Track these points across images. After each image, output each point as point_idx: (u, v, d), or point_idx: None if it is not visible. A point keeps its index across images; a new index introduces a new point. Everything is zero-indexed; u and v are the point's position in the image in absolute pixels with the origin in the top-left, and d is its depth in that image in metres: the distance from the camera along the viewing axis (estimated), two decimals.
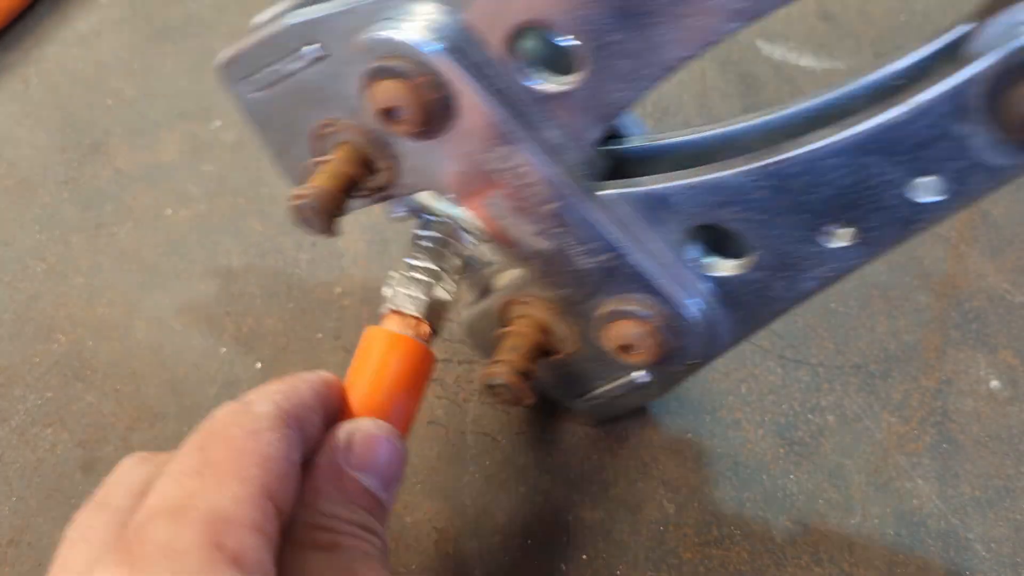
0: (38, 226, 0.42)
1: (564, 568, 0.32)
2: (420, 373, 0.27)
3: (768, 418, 0.35)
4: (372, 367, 0.27)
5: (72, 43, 0.50)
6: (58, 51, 0.50)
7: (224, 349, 0.37)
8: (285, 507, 0.21)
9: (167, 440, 0.35)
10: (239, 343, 0.38)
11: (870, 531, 0.32)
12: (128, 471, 0.24)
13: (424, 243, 0.29)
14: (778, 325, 0.37)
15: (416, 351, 0.27)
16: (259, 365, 0.37)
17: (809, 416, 0.35)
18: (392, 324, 0.28)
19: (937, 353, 0.37)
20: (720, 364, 0.36)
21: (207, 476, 0.20)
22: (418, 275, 0.28)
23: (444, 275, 0.29)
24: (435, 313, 0.28)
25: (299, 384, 0.25)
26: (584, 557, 0.32)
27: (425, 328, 0.28)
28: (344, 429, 0.25)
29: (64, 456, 0.35)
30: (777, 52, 0.48)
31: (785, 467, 0.34)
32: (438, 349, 0.37)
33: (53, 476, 0.34)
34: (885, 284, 0.39)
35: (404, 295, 0.28)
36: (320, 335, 0.38)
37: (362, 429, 0.25)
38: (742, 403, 0.35)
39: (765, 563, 0.32)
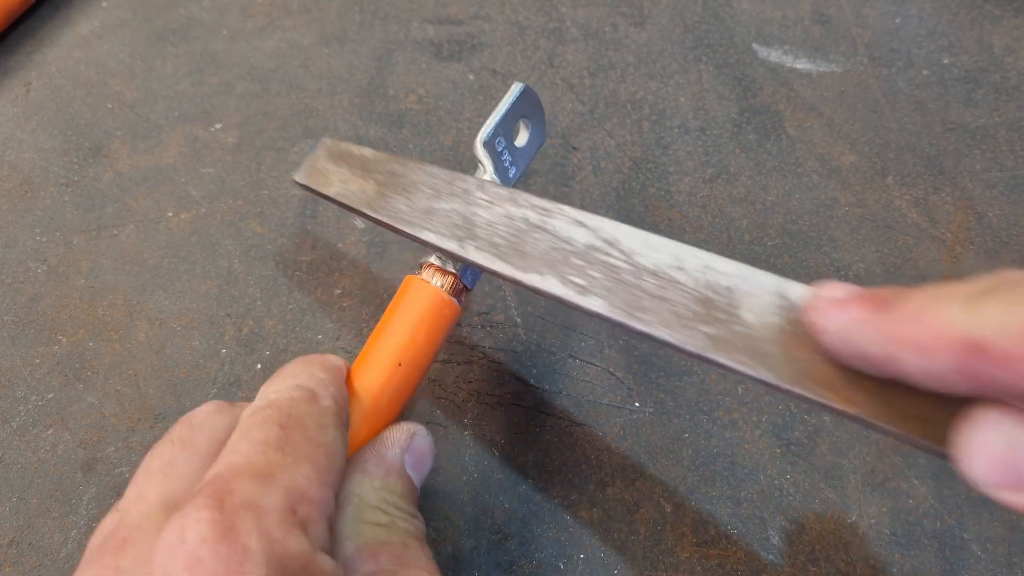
0: (39, 228, 0.42)
1: (562, 567, 0.32)
2: (438, 320, 0.30)
3: (765, 418, 0.35)
4: (397, 313, 0.30)
5: (73, 46, 0.50)
6: (59, 54, 0.50)
7: (224, 350, 0.38)
8: (336, 496, 0.24)
9: None
10: (239, 344, 0.38)
11: (866, 531, 0.33)
12: (208, 417, 0.25)
13: None
14: None
15: (436, 300, 0.30)
16: (259, 366, 0.37)
17: (805, 416, 0.35)
18: (425, 273, 0.30)
19: None
20: None
21: (287, 453, 0.22)
22: None
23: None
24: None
25: (338, 375, 0.27)
26: (582, 557, 0.32)
27: (452, 280, 0.30)
28: (405, 428, 0.28)
29: (65, 457, 0.35)
30: (773, 55, 0.49)
31: (782, 467, 0.34)
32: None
33: (54, 476, 0.34)
34: (881, 285, 0.39)
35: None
36: (320, 336, 0.38)
37: (418, 435, 0.28)
38: (739, 403, 0.36)
39: (762, 563, 0.32)
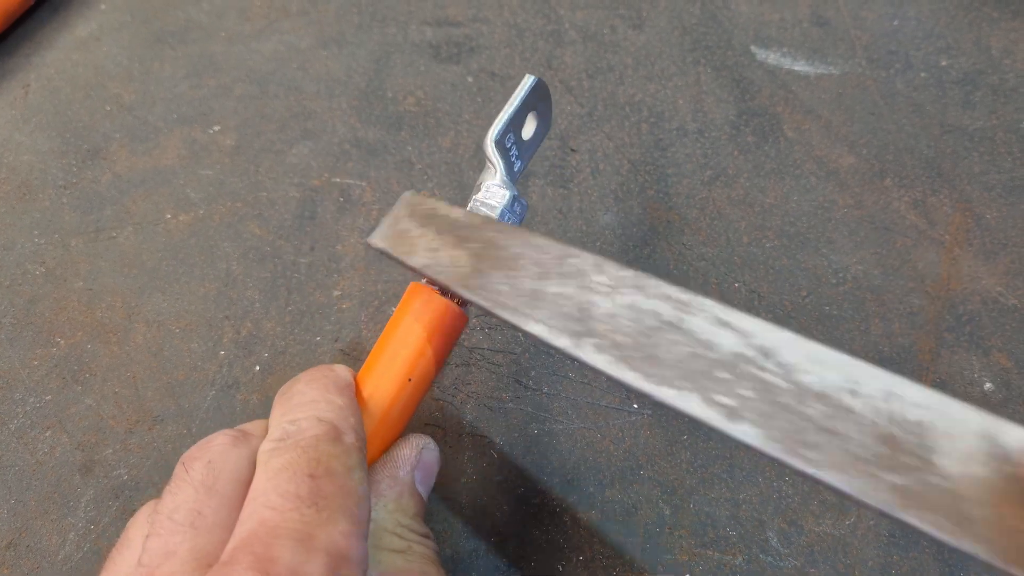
0: (38, 230, 0.42)
1: (561, 569, 0.32)
2: (448, 332, 0.29)
3: None
4: (406, 324, 0.28)
5: (72, 48, 0.50)
6: (58, 56, 0.50)
7: (223, 352, 0.38)
8: (366, 541, 0.23)
9: (166, 442, 0.35)
10: (238, 346, 0.38)
11: (865, 532, 0.33)
12: (225, 455, 0.24)
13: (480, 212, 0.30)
14: None
15: (446, 312, 0.28)
16: (258, 368, 0.37)
17: None
18: (430, 281, 0.29)
19: (931, 355, 0.37)
20: None
21: (322, 509, 0.21)
22: None
23: None
24: None
25: (352, 395, 0.27)
26: (581, 558, 0.32)
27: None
28: (413, 444, 0.28)
29: (63, 459, 0.35)
30: (771, 57, 0.49)
31: (780, 469, 0.34)
32: None
33: (52, 478, 0.34)
34: (879, 287, 0.39)
35: None
36: (319, 338, 0.38)
37: (427, 448, 0.28)
38: None
39: (761, 565, 0.32)
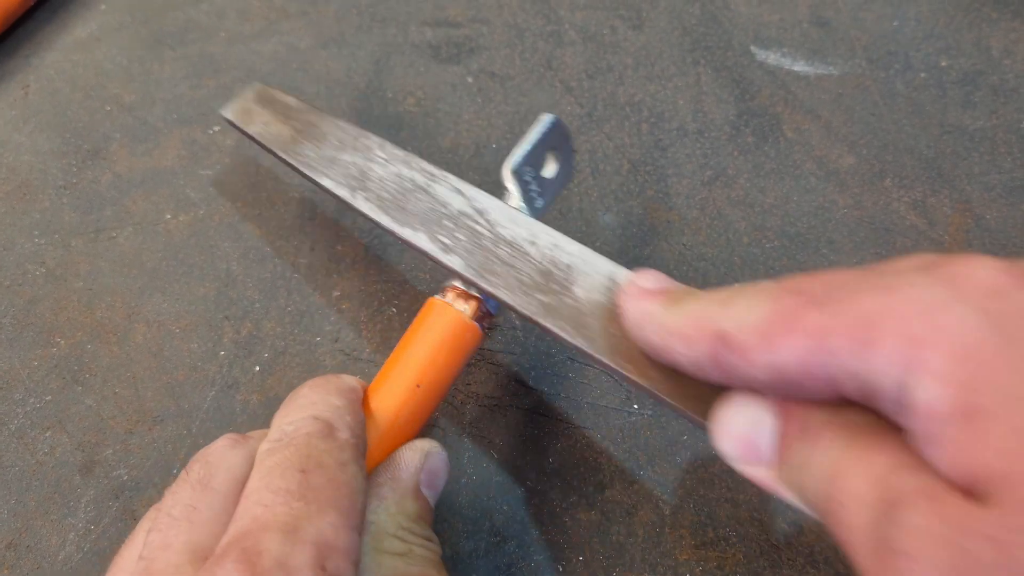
0: (37, 231, 0.42)
1: (560, 570, 0.32)
2: (460, 344, 0.30)
3: None
4: (418, 334, 0.30)
5: (71, 49, 0.50)
6: (57, 57, 0.50)
7: (223, 352, 0.38)
8: (360, 533, 0.24)
9: (167, 443, 0.35)
10: (238, 347, 0.38)
11: None
12: (224, 454, 0.25)
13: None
14: None
15: (459, 324, 0.30)
16: (258, 368, 0.37)
17: None
18: (448, 296, 0.30)
19: None
20: None
21: (311, 501, 0.22)
22: None
23: None
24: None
25: (354, 398, 0.27)
26: (580, 559, 0.32)
27: (476, 304, 0.30)
28: (417, 448, 0.28)
29: (63, 459, 0.35)
30: (771, 58, 0.49)
31: None
32: None
33: (52, 479, 0.34)
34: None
35: None
36: (319, 339, 0.38)
37: (432, 453, 0.28)
38: None
39: (761, 565, 0.32)
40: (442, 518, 0.33)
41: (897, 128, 0.45)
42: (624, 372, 0.24)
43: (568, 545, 0.32)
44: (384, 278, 0.40)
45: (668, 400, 0.24)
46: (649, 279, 0.24)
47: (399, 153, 0.32)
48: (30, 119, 0.47)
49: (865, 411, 0.19)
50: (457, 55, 0.49)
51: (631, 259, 0.40)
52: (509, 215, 0.29)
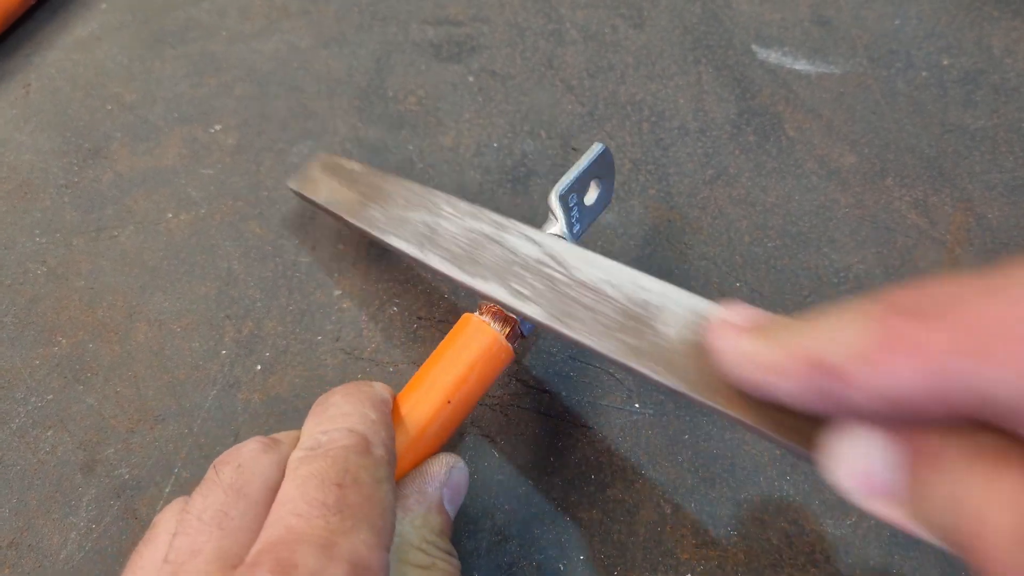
0: (39, 230, 0.42)
1: (562, 569, 0.32)
2: (493, 364, 0.30)
3: None
4: (453, 350, 0.31)
5: (72, 48, 0.50)
6: (58, 56, 0.50)
7: (224, 351, 0.38)
8: (389, 552, 0.24)
9: (168, 442, 0.35)
10: (239, 346, 0.38)
11: (866, 532, 0.33)
12: (256, 459, 0.25)
13: None
14: None
15: (494, 344, 0.30)
16: (259, 367, 0.37)
17: None
18: (485, 315, 0.31)
19: None
20: None
21: (347, 517, 0.22)
22: None
23: None
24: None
25: (387, 411, 0.27)
26: (581, 558, 0.32)
27: (511, 326, 0.31)
28: (444, 462, 0.28)
29: (65, 458, 0.35)
30: (772, 56, 0.49)
31: (782, 468, 0.34)
32: None
33: (54, 478, 0.34)
34: (881, 287, 0.39)
35: None
36: (320, 337, 0.38)
37: (457, 467, 0.28)
38: None
39: (762, 564, 0.32)
40: None
41: (898, 127, 0.45)
42: (721, 409, 0.23)
43: (570, 544, 0.33)
44: (386, 277, 0.40)
45: (770, 434, 0.22)
46: (738, 313, 0.23)
47: (466, 207, 0.31)
48: (31, 118, 0.47)
49: (990, 430, 0.17)
50: (458, 54, 0.49)
51: (632, 259, 0.40)
52: (584, 257, 0.28)
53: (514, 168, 0.44)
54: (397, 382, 0.36)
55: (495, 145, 0.45)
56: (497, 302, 0.28)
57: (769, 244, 0.41)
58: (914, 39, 0.49)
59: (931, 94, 0.46)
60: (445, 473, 0.28)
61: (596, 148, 0.33)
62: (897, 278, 0.39)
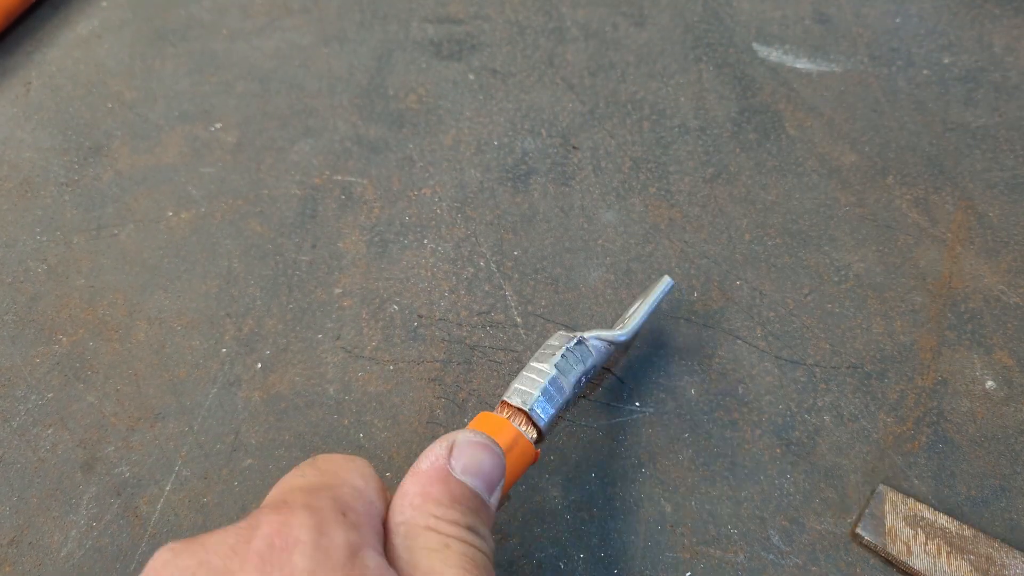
0: (39, 228, 0.42)
1: (562, 567, 0.32)
2: (523, 467, 0.29)
3: (765, 418, 0.35)
4: None
5: (73, 46, 0.50)
6: (59, 54, 0.50)
7: (224, 350, 0.38)
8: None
9: (168, 440, 0.35)
10: (240, 344, 0.38)
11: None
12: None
13: (549, 351, 0.31)
14: (774, 326, 0.38)
15: (529, 454, 0.29)
16: (259, 366, 0.37)
17: (806, 416, 0.35)
18: (500, 410, 0.30)
19: (933, 354, 0.37)
20: (717, 365, 0.37)
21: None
22: (534, 375, 0.31)
23: (561, 377, 0.31)
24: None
25: (373, 486, 0.26)
26: (582, 556, 0.32)
27: (537, 431, 0.30)
28: (443, 438, 0.26)
29: (65, 456, 0.35)
30: (773, 54, 0.49)
31: (782, 467, 0.34)
32: (436, 349, 0.37)
33: (54, 476, 0.34)
34: (881, 285, 0.39)
35: (515, 388, 0.30)
36: (320, 335, 0.38)
37: (461, 437, 0.26)
38: (739, 404, 0.36)
39: (762, 562, 0.32)
40: None
41: (899, 125, 0.45)
42: None
43: (570, 543, 0.32)
44: (385, 276, 0.40)
45: None
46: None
47: None
48: (32, 116, 0.47)
49: None
50: (459, 52, 0.49)
51: (633, 256, 0.40)
52: None
53: (514, 166, 0.44)
54: (397, 380, 0.36)
55: (495, 143, 0.45)
56: None
57: (769, 242, 0.41)
58: (915, 37, 0.49)
59: (932, 92, 0.46)
60: (444, 446, 0.26)
61: (664, 283, 0.34)
62: (897, 276, 0.39)
